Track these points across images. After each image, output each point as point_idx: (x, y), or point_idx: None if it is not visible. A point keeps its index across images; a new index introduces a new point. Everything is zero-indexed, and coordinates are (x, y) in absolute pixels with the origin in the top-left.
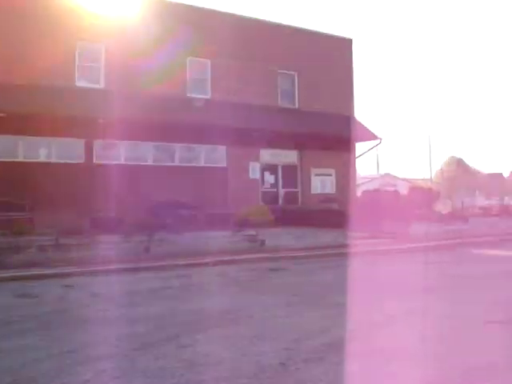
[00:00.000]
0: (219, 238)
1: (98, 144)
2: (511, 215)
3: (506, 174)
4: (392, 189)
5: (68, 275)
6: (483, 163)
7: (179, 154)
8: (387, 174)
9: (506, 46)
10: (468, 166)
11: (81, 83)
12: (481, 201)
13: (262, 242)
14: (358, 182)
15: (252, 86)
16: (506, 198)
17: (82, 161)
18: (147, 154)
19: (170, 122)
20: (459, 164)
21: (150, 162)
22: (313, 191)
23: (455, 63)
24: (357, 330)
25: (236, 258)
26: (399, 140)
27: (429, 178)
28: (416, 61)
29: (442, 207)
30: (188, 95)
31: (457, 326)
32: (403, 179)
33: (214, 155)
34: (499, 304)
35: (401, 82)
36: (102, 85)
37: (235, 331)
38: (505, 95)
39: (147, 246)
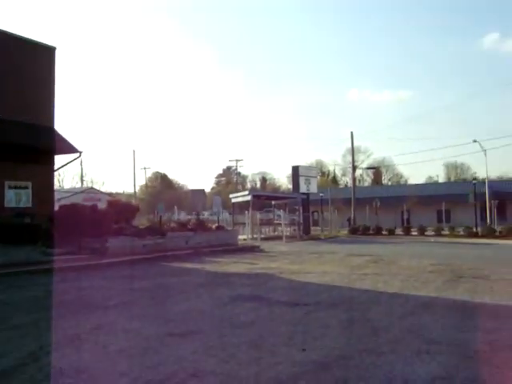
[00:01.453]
0: None
1: None
2: (205, 230)
3: (207, 190)
4: (94, 203)
5: None
6: (187, 179)
7: None
8: (91, 188)
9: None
10: (172, 181)
11: None
12: (182, 215)
13: None
14: (62, 195)
15: None
16: (206, 213)
17: None
18: None
19: None
20: (163, 179)
21: None
22: (6, 205)
23: (160, 84)
24: (37, 352)
25: None
26: (106, 154)
27: (133, 192)
28: (123, 77)
29: (142, 221)
30: None
31: (143, 340)
32: (108, 193)
33: None
34: (185, 315)
35: (108, 96)
36: None
37: None
38: (205, 115)
39: None
